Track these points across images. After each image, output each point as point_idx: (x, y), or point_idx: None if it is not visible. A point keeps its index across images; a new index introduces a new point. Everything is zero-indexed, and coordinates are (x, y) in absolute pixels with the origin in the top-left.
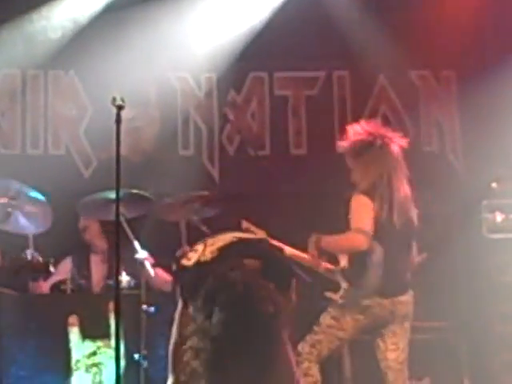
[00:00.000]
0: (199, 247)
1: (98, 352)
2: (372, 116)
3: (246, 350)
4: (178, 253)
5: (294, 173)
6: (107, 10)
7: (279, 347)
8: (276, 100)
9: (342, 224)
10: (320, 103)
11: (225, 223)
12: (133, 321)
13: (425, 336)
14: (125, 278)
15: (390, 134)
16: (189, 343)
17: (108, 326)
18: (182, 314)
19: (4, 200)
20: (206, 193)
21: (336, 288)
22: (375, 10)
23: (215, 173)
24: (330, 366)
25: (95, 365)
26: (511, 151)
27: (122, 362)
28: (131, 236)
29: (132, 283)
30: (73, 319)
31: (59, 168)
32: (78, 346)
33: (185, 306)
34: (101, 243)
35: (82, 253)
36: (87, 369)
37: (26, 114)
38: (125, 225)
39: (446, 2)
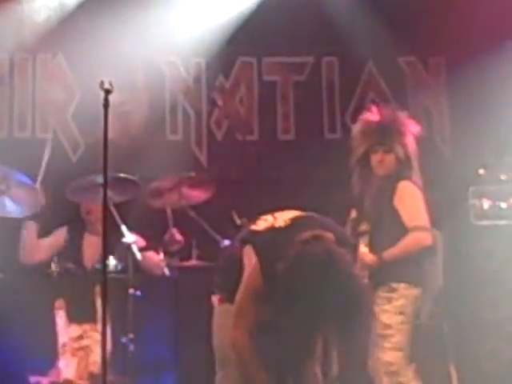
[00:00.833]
0: (267, 217)
1: (85, 336)
2: (360, 102)
3: (334, 310)
4: (239, 222)
5: (282, 158)
6: None
7: (368, 307)
8: (264, 85)
9: (328, 208)
10: (308, 89)
11: (213, 209)
12: (120, 304)
13: None
14: (112, 262)
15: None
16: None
17: (95, 310)
18: (256, 272)
19: None
20: (193, 174)
21: None
22: None
23: (203, 157)
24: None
25: (82, 348)
26: (499, 138)
27: (109, 346)
28: (118, 220)
29: (119, 267)
30: (59, 303)
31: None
32: (65, 330)
33: (261, 267)
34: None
35: (76, 227)
36: (74, 352)
37: (13, 97)
38: (112, 209)
39: None
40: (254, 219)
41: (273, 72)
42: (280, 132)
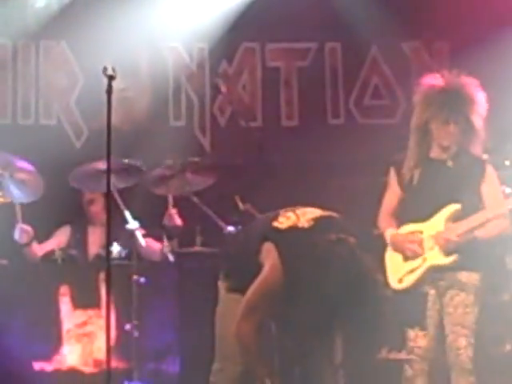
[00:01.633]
0: (289, 214)
1: (89, 322)
2: (364, 87)
3: (358, 313)
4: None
5: (286, 144)
6: None
7: (383, 310)
8: (268, 71)
9: (331, 195)
10: (312, 75)
11: (216, 195)
12: (124, 291)
13: None
14: (116, 249)
15: None
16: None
17: (99, 297)
18: (277, 270)
19: None
20: (197, 159)
21: None
22: None
23: (206, 143)
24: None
25: (86, 334)
26: (503, 124)
27: (113, 332)
28: (122, 206)
29: (123, 253)
30: (64, 289)
31: (50, 138)
32: (69, 316)
33: (283, 266)
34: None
35: (79, 223)
36: (78, 338)
37: (17, 83)
38: (116, 195)
39: None
40: (275, 215)
41: (276, 58)
42: (283, 118)
